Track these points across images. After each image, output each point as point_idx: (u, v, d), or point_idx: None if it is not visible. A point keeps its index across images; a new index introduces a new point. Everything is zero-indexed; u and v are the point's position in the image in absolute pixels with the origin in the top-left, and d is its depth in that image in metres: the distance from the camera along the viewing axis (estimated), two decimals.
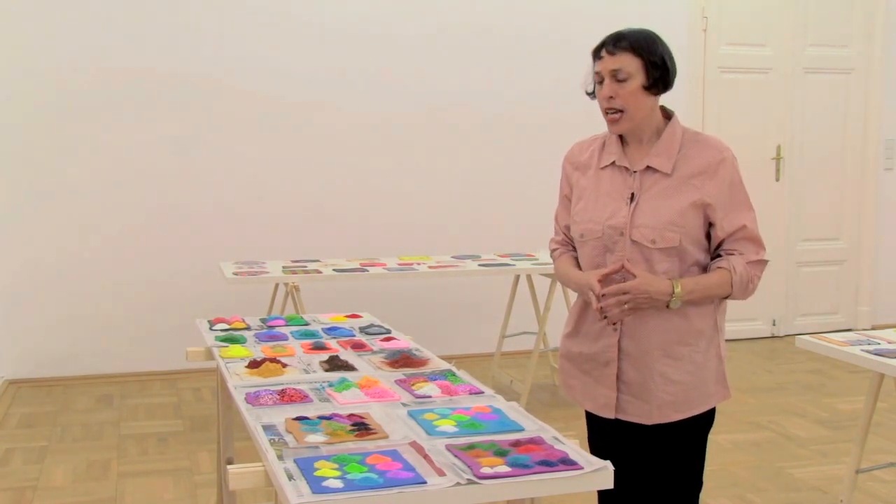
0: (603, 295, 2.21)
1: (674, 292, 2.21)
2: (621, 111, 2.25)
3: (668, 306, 2.23)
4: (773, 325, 6.67)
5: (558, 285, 4.77)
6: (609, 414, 2.35)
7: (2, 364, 5.35)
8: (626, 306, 2.20)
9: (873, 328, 6.13)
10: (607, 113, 2.27)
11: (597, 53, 2.28)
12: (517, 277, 5.25)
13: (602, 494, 2.46)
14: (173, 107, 5.44)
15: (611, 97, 2.24)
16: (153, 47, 5.37)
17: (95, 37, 5.29)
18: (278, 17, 5.55)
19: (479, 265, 4.89)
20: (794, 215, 6.55)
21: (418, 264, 4.89)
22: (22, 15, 5.20)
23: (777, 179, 6.52)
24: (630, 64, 2.23)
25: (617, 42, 2.24)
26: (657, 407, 2.29)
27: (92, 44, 5.29)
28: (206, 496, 3.72)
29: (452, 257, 5.19)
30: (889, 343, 3.10)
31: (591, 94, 2.35)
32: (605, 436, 2.42)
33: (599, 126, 2.37)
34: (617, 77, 2.23)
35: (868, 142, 6.74)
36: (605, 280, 2.23)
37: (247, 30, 5.51)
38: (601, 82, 2.27)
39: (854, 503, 3.40)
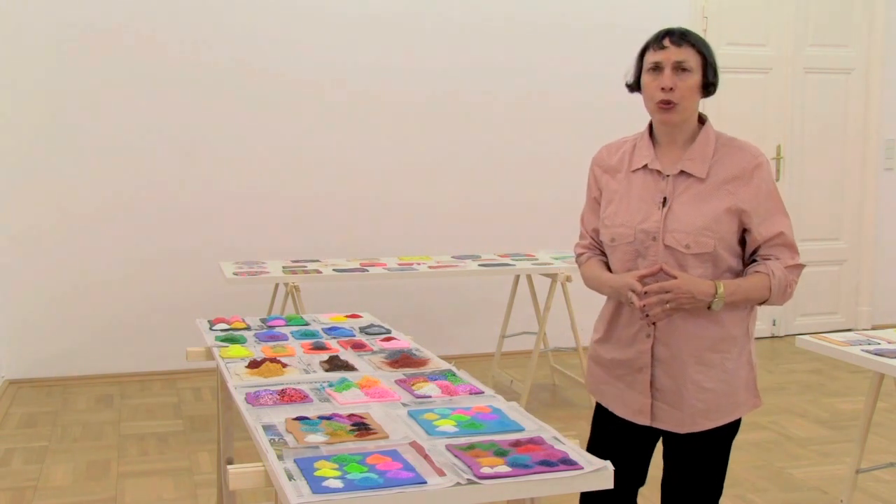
0: (644, 293, 2.19)
1: (716, 293, 2.19)
2: (676, 103, 2.23)
3: (709, 307, 2.21)
4: (773, 325, 6.67)
5: (558, 285, 4.76)
6: (644, 421, 2.33)
7: (2, 364, 5.35)
8: (668, 305, 2.18)
9: (873, 328, 6.13)
10: (662, 103, 2.24)
11: (658, 42, 2.25)
12: (517, 277, 5.25)
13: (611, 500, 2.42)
14: (174, 105, 5.44)
15: (671, 88, 2.22)
16: (154, 44, 5.36)
17: (95, 29, 5.28)
18: (281, 12, 5.54)
19: (479, 265, 4.89)
20: (794, 215, 6.46)
21: (418, 264, 4.88)
22: (20, 9, 5.19)
23: (777, 179, 6.51)
24: (693, 59, 2.23)
25: (683, 35, 2.24)
26: (689, 415, 2.28)
27: (92, 37, 5.27)
28: (206, 496, 3.72)
29: (452, 257, 5.19)
30: (889, 343, 3.10)
31: (631, 87, 2.34)
32: (627, 440, 2.39)
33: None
34: (681, 68, 2.22)
35: (868, 142, 6.74)
36: (641, 281, 2.22)
37: (249, 24, 5.50)
38: (654, 70, 2.24)
39: (854, 503, 3.40)
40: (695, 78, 2.23)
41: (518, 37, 5.95)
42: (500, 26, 5.91)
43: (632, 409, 2.35)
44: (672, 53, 2.22)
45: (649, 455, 2.45)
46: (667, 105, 2.23)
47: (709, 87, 2.27)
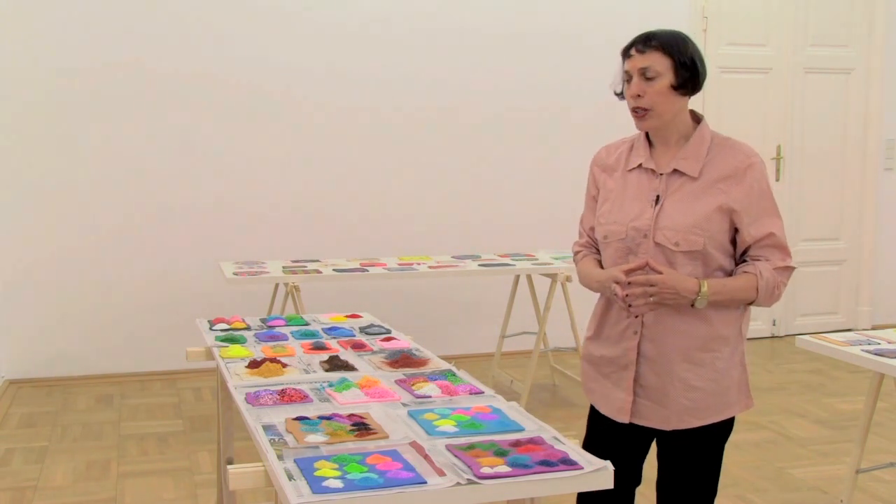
0: (629, 283, 2.20)
1: (700, 291, 2.19)
2: (648, 109, 2.24)
3: (692, 305, 2.22)
4: (773, 325, 6.67)
5: (558, 285, 4.77)
6: (623, 418, 2.33)
7: (2, 364, 5.35)
8: (651, 299, 2.19)
9: (873, 328, 6.13)
10: (635, 111, 2.27)
11: (626, 52, 2.28)
12: (517, 277, 5.25)
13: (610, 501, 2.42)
14: (173, 106, 5.44)
15: (638, 95, 2.24)
16: (153, 45, 5.37)
17: (95, 34, 5.28)
18: (280, 14, 5.55)
19: (479, 265, 4.89)
20: (794, 215, 6.55)
21: (418, 264, 4.89)
22: (21, 11, 5.19)
23: (777, 179, 6.52)
24: (659, 63, 2.22)
25: (647, 41, 2.24)
26: (675, 413, 2.28)
27: (91, 41, 5.28)
28: (206, 496, 3.72)
29: (452, 257, 5.19)
30: (889, 343, 3.10)
31: (620, 95, 2.35)
32: (619, 440, 2.40)
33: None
34: (645, 75, 2.23)
35: (868, 142, 6.74)
36: (629, 274, 2.22)
37: (247, 27, 5.51)
38: (630, 80, 2.27)
39: (854, 503, 3.40)
40: (662, 82, 2.23)
41: (517, 39, 5.95)
42: (499, 29, 5.91)
43: (614, 406, 2.36)
44: (637, 61, 2.24)
45: (643, 454, 2.45)
46: (640, 112, 2.26)
47: (685, 85, 2.25)
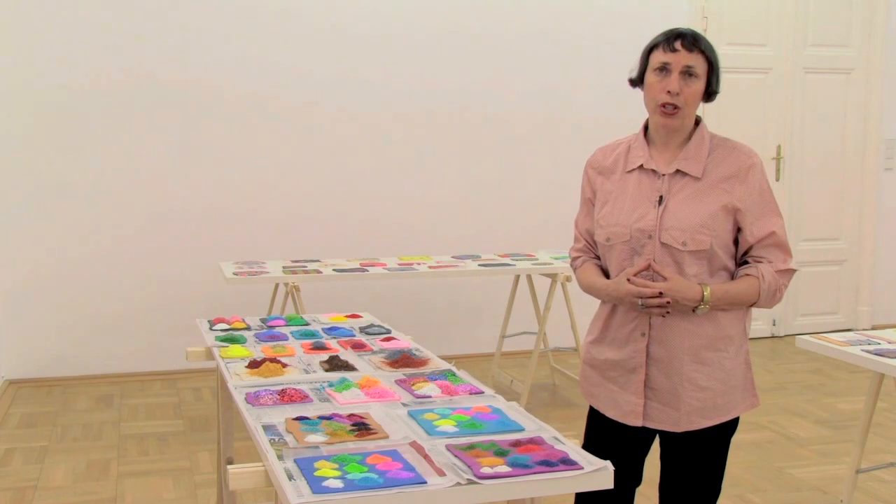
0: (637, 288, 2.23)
1: (703, 300, 2.20)
2: (679, 108, 2.23)
3: (693, 311, 2.23)
4: (773, 325, 6.67)
5: (558, 285, 4.77)
6: (636, 422, 2.33)
7: (2, 364, 5.35)
8: (667, 308, 2.21)
9: (873, 328, 6.13)
10: (664, 106, 2.23)
11: (669, 44, 2.23)
12: (517, 277, 5.25)
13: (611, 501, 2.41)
14: (173, 107, 5.44)
15: (677, 93, 2.21)
16: (153, 49, 5.37)
17: (96, 39, 5.28)
18: (278, 18, 5.54)
19: (479, 265, 4.89)
20: (794, 215, 6.55)
21: (418, 264, 4.88)
22: (23, 18, 5.19)
23: (777, 179, 6.52)
24: (701, 66, 2.23)
25: (696, 40, 2.23)
26: (686, 414, 2.28)
27: (92, 46, 5.28)
28: (206, 496, 3.72)
29: (452, 257, 5.19)
30: (889, 343, 3.10)
31: (635, 82, 2.32)
32: (621, 441, 2.39)
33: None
34: (689, 73, 2.22)
35: (868, 142, 6.74)
36: (634, 280, 2.24)
37: (246, 31, 5.50)
38: (661, 70, 2.23)
39: (854, 503, 3.40)
40: (700, 85, 2.23)
41: (516, 40, 5.94)
42: (498, 31, 5.90)
43: (623, 410, 2.34)
44: (682, 57, 2.22)
45: (644, 455, 2.45)
46: (671, 108, 2.23)
47: (710, 95, 2.28)
